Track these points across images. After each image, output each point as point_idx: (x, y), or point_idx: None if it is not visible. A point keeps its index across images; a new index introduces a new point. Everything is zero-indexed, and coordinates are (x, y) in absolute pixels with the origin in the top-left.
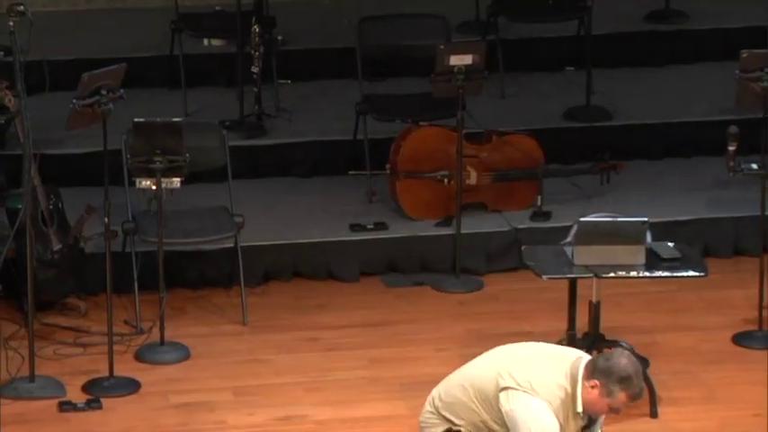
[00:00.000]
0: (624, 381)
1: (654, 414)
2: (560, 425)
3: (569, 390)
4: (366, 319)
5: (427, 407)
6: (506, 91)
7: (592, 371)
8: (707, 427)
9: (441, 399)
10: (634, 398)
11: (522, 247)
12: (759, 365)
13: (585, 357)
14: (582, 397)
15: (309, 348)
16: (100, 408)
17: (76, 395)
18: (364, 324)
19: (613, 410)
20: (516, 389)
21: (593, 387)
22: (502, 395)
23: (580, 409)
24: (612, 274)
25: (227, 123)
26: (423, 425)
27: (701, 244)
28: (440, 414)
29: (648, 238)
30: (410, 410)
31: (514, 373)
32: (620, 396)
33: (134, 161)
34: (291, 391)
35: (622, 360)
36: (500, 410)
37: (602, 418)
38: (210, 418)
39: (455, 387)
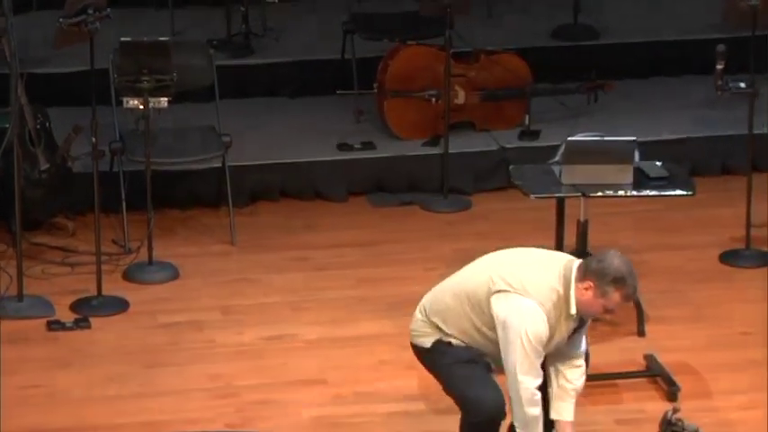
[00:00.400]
0: (618, 281)
1: (641, 333)
2: (551, 326)
3: (562, 292)
4: (354, 239)
5: (418, 315)
6: (493, 9)
7: (584, 272)
8: (695, 345)
9: (431, 306)
10: (628, 298)
11: (510, 167)
12: (746, 284)
13: (578, 261)
14: (576, 298)
15: (298, 268)
16: (88, 327)
17: (65, 314)
18: (352, 244)
19: (608, 311)
20: (508, 291)
21: (586, 288)
22: (494, 299)
23: (574, 310)
24: (600, 194)
25: (214, 42)
26: (413, 333)
27: (689, 163)
28: (430, 321)
29: (636, 157)
30: (398, 329)
31: (507, 277)
32: (614, 296)
33: (121, 80)
34: (280, 310)
35: (615, 261)
36: (491, 315)
37: (587, 324)
38: (199, 338)
39: (446, 294)
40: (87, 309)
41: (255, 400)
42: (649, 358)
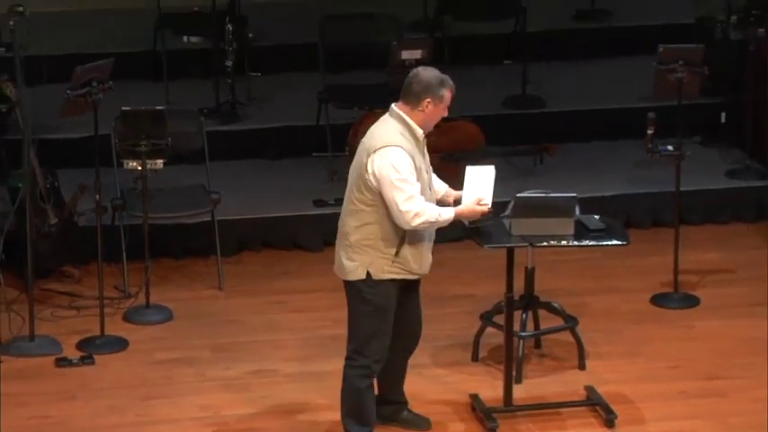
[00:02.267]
0: (443, 81)
1: (582, 367)
2: (412, 155)
3: (403, 127)
4: (327, 285)
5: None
6: (452, 81)
7: (413, 98)
8: (629, 378)
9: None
10: (453, 87)
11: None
12: (675, 323)
13: (392, 105)
14: (418, 122)
15: (278, 310)
16: (92, 363)
17: (71, 352)
18: (327, 289)
19: (445, 112)
20: (379, 148)
21: (427, 105)
22: (370, 159)
23: (420, 132)
24: (545, 244)
25: (204, 111)
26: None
27: (624, 216)
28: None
29: (577, 211)
30: None
31: (374, 143)
32: (446, 94)
33: (122, 145)
34: (262, 348)
35: (425, 72)
36: (367, 175)
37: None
38: (191, 372)
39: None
40: (92, 347)
41: (241, 429)
42: (589, 389)
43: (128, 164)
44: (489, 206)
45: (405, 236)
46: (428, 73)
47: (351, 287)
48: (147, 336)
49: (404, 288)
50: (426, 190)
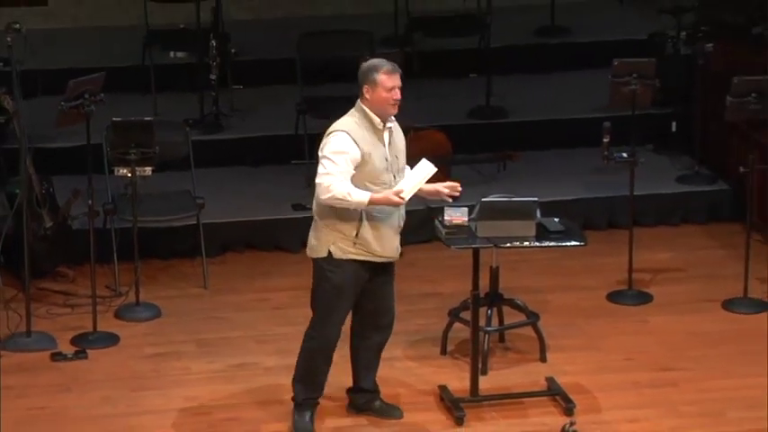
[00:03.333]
0: (373, 67)
1: (543, 359)
2: (363, 141)
3: (359, 114)
4: (307, 283)
5: None
6: (421, 93)
7: (359, 87)
8: (587, 370)
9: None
10: (390, 71)
11: (435, 223)
12: (629, 318)
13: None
14: (370, 110)
15: (260, 307)
16: (86, 358)
17: (66, 347)
18: (305, 287)
19: (393, 95)
20: (328, 133)
21: (367, 93)
22: (321, 147)
23: (377, 120)
24: (509, 244)
25: (189, 121)
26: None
27: (581, 219)
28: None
29: (538, 214)
30: (343, 358)
31: (329, 129)
32: (381, 78)
33: (113, 153)
34: (245, 342)
35: (362, 63)
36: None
37: (402, 157)
38: (178, 366)
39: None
40: (85, 342)
41: (224, 418)
42: (550, 380)
43: (118, 171)
44: (406, 198)
45: (362, 217)
46: (365, 63)
47: (315, 264)
48: (137, 332)
49: (373, 273)
50: (383, 176)
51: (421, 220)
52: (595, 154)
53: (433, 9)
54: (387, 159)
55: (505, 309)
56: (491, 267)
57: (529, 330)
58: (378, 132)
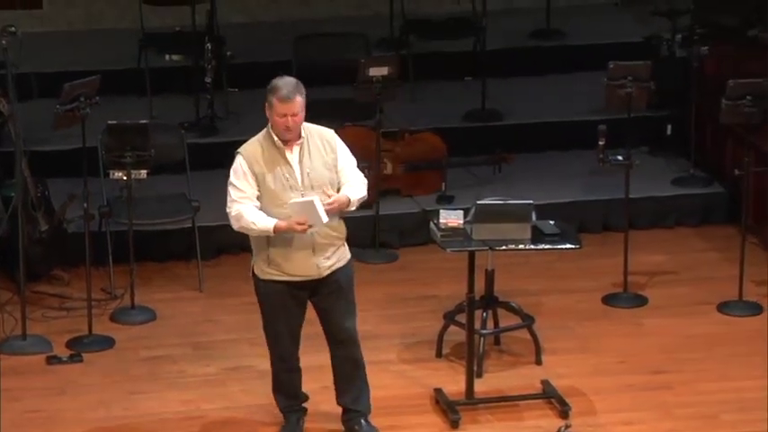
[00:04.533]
0: (271, 88)
1: (538, 362)
2: (260, 160)
3: (264, 133)
4: None
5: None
6: (416, 96)
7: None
8: (582, 372)
9: None
10: (283, 98)
11: (430, 225)
12: (624, 321)
13: None
14: (271, 129)
15: (254, 311)
16: (81, 361)
17: (61, 350)
18: None
19: (283, 121)
20: None
21: (267, 110)
22: None
23: (275, 138)
24: (504, 247)
25: (185, 124)
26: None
27: (577, 221)
28: None
29: (533, 217)
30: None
31: None
32: (274, 101)
33: (108, 156)
34: (239, 346)
35: (272, 80)
36: None
37: (325, 171)
38: (173, 369)
39: None
40: (80, 346)
41: (219, 420)
42: (545, 383)
43: (114, 174)
44: (310, 227)
45: (268, 239)
46: (272, 81)
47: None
48: (132, 335)
49: (311, 291)
50: (283, 195)
51: (416, 223)
52: (591, 156)
53: (428, 12)
54: (287, 179)
55: (501, 311)
56: (486, 270)
57: (524, 333)
58: (278, 150)
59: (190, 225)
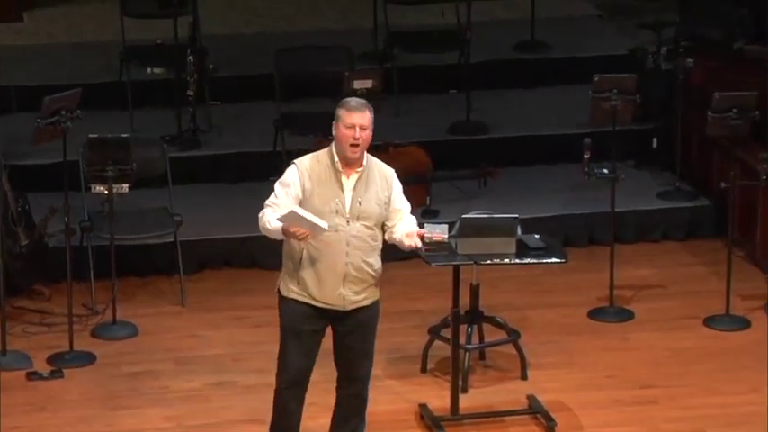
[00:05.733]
0: (341, 102)
1: (524, 377)
2: (312, 177)
3: (327, 151)
4: None
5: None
6: (401, 109)
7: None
8: (568, 387)
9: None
10: (350, 108)
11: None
12: (610, 335)
13: None
14: (335, 149)
15: (237, 325)
16: (62, 377)
17: (42, 366)
18: None
19: (350, 133)
20: None
21: (334, 128)
22: None
23: (336, 158)
24: (489, 262)
25: (167, 138)
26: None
27: (562, 235)
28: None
29: (518, 231)
30: (322, 376)
31: None
32: (342, 113)
33: (89, 170)
34: (223, 360)
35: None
36: None
37: (376, 206)
38: (156, 384)
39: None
40: (61, 361)
41: None
42: (531, 398)
43: (95, 188)
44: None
45: (302, 254)
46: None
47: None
48: (114, 350)
49: (331, 321)
50: (327, 218)
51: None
52: (576, 170)
53: (412, 24)
54: (337, 203)
55: (486, 326)
56: (471, 284)
57: (509, 348)
58: (336, 173)
59: (172, 239)
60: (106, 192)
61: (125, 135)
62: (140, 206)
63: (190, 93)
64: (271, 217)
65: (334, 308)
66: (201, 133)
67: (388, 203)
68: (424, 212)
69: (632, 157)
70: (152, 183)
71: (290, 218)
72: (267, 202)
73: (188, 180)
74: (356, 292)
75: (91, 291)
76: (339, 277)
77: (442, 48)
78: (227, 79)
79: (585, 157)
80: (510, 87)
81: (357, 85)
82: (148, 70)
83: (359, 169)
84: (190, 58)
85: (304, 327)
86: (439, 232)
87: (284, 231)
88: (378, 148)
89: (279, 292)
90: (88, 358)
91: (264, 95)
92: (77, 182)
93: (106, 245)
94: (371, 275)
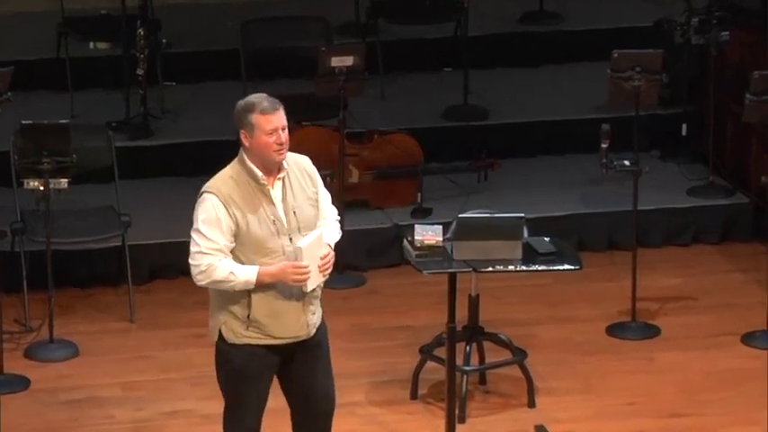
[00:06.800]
0: (246, 106)
1: (532, 404)
2: (238, 202)
3: (238, 167)
4: None
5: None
6: (386, 91)
7: (237, 132)
8: (584, 416)
9: None
10: (266, 111)
11: (404, 243)
12: (632, 355)
13: None
14: (250, 161)
15: (195, 344)
16: None
17: None
18: None
19: (274, 139)
20: (199, 194)
21: (245, 138)
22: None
23: (259, 173)
24: (491, 269)
25: (113, 124)
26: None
27: (576, 238)
28: None
29: (525, 233)
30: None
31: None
32: (257, 118)
33: (22, 162)
34: (178, 386)
35: (239, 103)
36: None
37: (308, 208)
38: (99, 414)
39: None
40: None
41: None
42: (540, 429)
43: (28, 183)
44: (308, 273)
45: (251, 295)
46: (240, 102)
47: (215, 347)
48: (51, 374)
49: (291, 352)
50: (269, 242)
51: (387, 241)
52: (592, 162)
53: None
54: (274, 222)
55: (487, 344)
56: (470, 296)
57: (515, 370)
58: (260, 187)
59: (119, 244)
60: (42, 187)
61: (64, 121)
62: (82, 204)
63: (140, 71)
64: (229, 265)
65: (298, 339)
66: (153, 119)
67: (316, 200)
68: (414, 211)
69: (658, 147)
70: (96, 177)
71: (305, 252)
72: (200, 250)
73: (138, 174)
74: (314, 313)
75: (24, 304)
76: (299, 305)
77: (435, 18)
78: (183, 56)
79: (603, 146)
80: (515, 65)
81: (335, 62)
82: (91, 45)
83: (280, 175)
84: (140, 30)
85: (261, 368)
86: (431, 234)
87: (265, 277)
88: (360, 137)
89: (221, 340)
90: (21, 383)
91: (227, 75)
92: (8, 176)
93: (42, 250)
94: (320, 286)
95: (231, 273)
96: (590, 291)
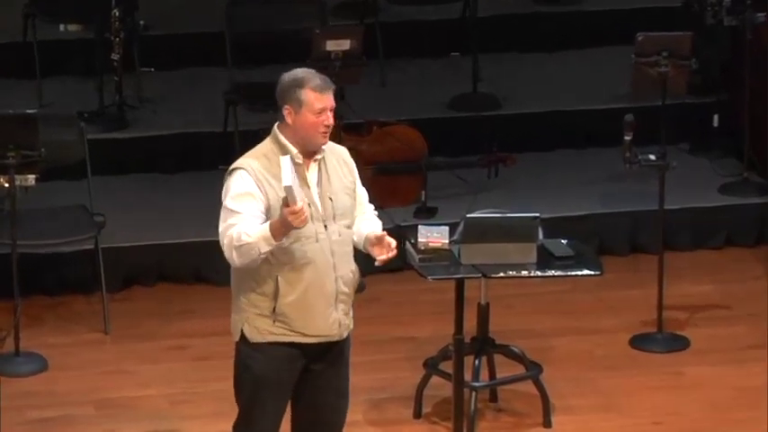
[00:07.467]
0: (296, 81)
1: (548, 424)
2: (269, 192)
3: (273, 144)
4: None
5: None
6: (387, 78)
7: (279, 108)
8: None
9: None
10: (316, 88)
11: (406, 246)
12: (658, 370)
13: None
14: (286, 138)
15: (176, 358)
16: None
17: None
18: None
19: (321, 119)
20: (228, 171)
21: (288, 115)
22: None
23: (295, 150)
24: (502, 274)
25: (85, 115)
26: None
27: (597, 241)
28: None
29: (540, 234)
30: (285, 422)
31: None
32: (307, 95)
33: None
34: (157, 404)
35: (284, 75)
36: None
37: (344, 197)
38: None
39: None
40: None
41: None
42: None
43: None
44: (301, 211)
45: (276, 285)
46: (287, 75)
47: (235, 347)
48: (17, 390)
49: (313, 357)
50: (304, 228)
51: None
52: (614, 156)
53: None
54: (309, 206)
55: (498, 358)
56: (479, 304)
57: (529, 386)
58: (297, 169)
59: (92, 247)
60: (6, 184)
61: (31, 111)
62: (51, 203)
63: (115, 56)
64: (246, 228)
65: (327, 340)
66: (130, 109)
67: (354, 191)
68: (417, 211)
69: (687, 140)
70: (66, 173)
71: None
72: (228, 222)
73: (113, 170)
74: (346, 313)
75: None
76: (331, 299)
77: None
78: (162, 39)
79: (627, 138)
80: (528, 50)
81: (330, 46)
82: (61, 27)
83: (317, 158)
84: (115, 11)
85: (284, 375)
86: (437, 236)
87: (276, 227)
88: (358, 129)
89: (243, 340)
90: None
91: (211, 60)
92: None
93: (7, 253)
94: (355, 286)
95: (245, 233)
96: (612, 299)
